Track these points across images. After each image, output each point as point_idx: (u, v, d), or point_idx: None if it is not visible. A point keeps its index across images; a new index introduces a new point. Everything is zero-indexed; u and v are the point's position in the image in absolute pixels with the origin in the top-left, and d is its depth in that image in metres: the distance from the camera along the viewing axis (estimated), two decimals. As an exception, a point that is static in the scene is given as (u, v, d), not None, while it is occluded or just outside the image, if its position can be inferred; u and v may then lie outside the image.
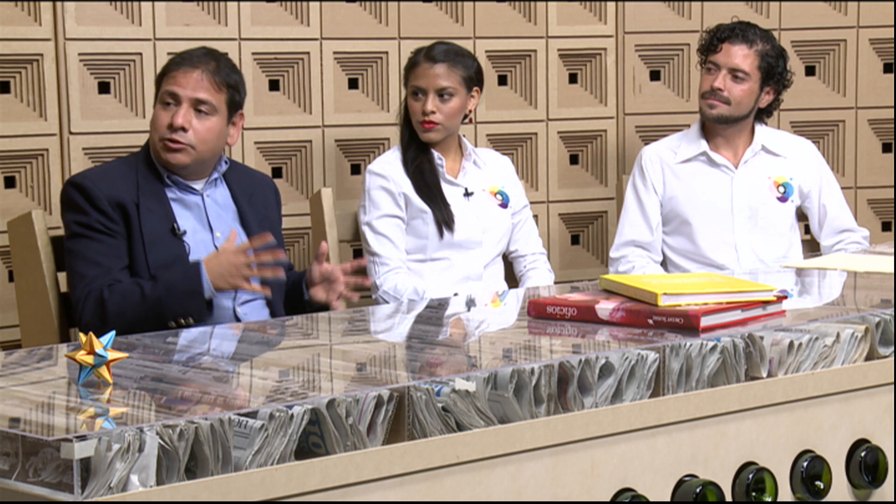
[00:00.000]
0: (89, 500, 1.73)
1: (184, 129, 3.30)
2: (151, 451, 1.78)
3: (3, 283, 3.94)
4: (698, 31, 4.66)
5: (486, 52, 4.55)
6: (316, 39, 4.32)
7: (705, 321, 2.47)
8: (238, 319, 3.33)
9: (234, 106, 3.42)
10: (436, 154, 4.02)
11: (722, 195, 4.23)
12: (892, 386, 2.54)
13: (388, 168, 4.01)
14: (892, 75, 4.83)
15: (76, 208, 3.29)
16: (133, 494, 1.76)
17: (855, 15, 4.81)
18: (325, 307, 3.37)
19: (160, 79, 3.39)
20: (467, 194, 4.05)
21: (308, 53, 4.31)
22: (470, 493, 2.04)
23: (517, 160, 4.63)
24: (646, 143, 4.47)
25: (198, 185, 3.39)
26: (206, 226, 3.38)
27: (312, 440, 1.95)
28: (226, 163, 3.45)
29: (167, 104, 3.33)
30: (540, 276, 4.14)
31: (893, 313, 2.60)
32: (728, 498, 2.31)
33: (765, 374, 2.40)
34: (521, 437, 2.09)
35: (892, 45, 4.82)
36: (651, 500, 2.22)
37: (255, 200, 3.51)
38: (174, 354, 2.54)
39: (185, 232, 3.32)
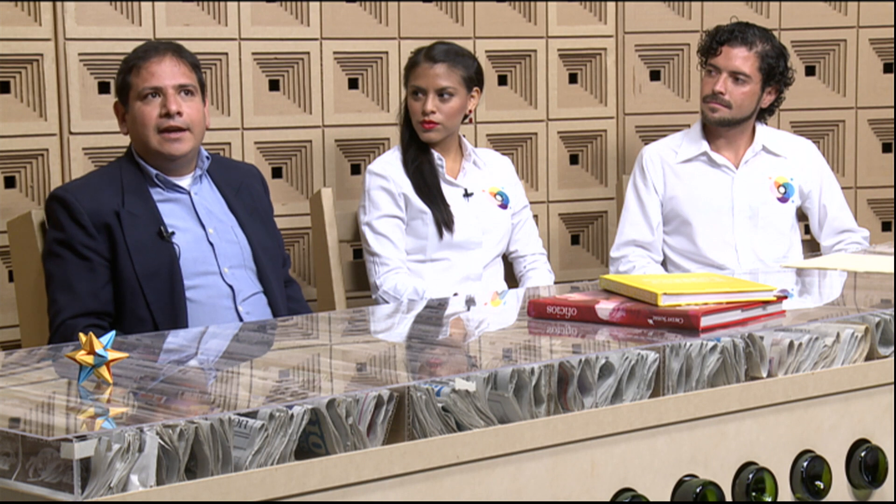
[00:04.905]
0: (89, 500, 1.73)
1: (179, 114, 3.30)
2: (151, 451, 1.78)
3: (3, 283, 3.94)
4: (698, 31, 4.66)
5: (486, 52, 4.55)
6: (316, 39, 4.32)
7: (705, 321, 2.47)
8: (241, 319, 3.33)
9: (204, 86, 3.44)
10: (436, 154, 4.03)
11: (722, 195, 4.22)
12: (892, 386, 2.54)
13: (388, 168, 4.01)
14: (892, 75, 4.83)
15: (56, 224, 3.29)
16: (133, 494, 1.76)
17: (855, 15, 4.81)
18: None
19: (125, 77, 3.38)
20: (467, 195, 4.05)
21: (308, 53, 4.31)
22: (470, 493, 2.04)
23: (517, 160, 4.63)
24: (646, 143, 4.47)
25: (184, 183, 3.39)
26: (198, 223, 3.37)
27: (312, 440, 1.95)
28: (207, 158, 3.44)
29: (147, 98, 3.33)
30: (540, 276, 4.14)
31: (893, 313, 2.60)
32: (728, 498, 2.31)
33: (765, 374, 2.40)
34: (521, 437, 2.09)
35: (892, 45, 4.81)
36: (651, 500, 2.22)
37: (243, 193, 3.50)
38: (174, 354, 2.54)
39: (173, 233, 3.30)
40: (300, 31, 4.30)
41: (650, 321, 2.52)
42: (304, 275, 4.37)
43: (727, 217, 4.22)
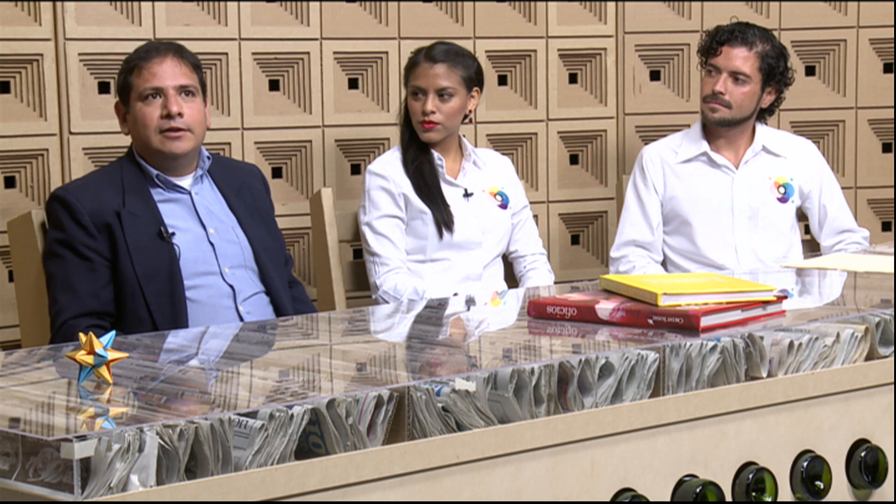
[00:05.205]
0: (89, 500, 1.73)
1: (180, 115, 3.31)
2: (151, 451, 1.78)
3: (3, 283, 3.94)
4: (698, 31, 4.66)
5: (486, 52, 4.55)
6: (316, 39, 4.32)
7: (705, 321, 2.46)
8: (241, 318, 3.33)
9: (205, 87, 3.45)
10: (436, 154, 4.03)
11: (722, 195, 4.22)
12: (892, 386, 2.54)
13: (388, 168, 4.01)
14: (892, 75, 4.83)
15: (56, 224, 3.29)
16: (133, 494, 1.76)
17: (855, 15, 4.81)
18: None
19: (126, 77, 3.39)
20: (467, 195, 4.05)
21: (308, 53, 4.31)
22: (470, 493, 2.04)
23: (517, 160, 4.62)
24: (646, 143, 4.47)
25: (185, 183, 3.39)
26: (199, 223, 3.37)
27: (312, 440, 1.95)
28: (208, 158, 3.45)
29: (148, 98, 3.33)
30: (540, 276, 4.14)
31: (893, 313, 2.60)
32: (728, 498, 2.31)
33: (765, 374, 2.40)
34: (521, 437, 2.09)
35: (892, 45, 4.81)
36: (651, 500, 2.22)
37: (244, 192, 3.51)
38: (174, 354, 2.54)
39: (173, 234, 3.31)
40: (300, 31, 4.30)
41: (650, 321, 2.52)
42: (304, 275, 4.37)
43: (727, 217, 4.22)
